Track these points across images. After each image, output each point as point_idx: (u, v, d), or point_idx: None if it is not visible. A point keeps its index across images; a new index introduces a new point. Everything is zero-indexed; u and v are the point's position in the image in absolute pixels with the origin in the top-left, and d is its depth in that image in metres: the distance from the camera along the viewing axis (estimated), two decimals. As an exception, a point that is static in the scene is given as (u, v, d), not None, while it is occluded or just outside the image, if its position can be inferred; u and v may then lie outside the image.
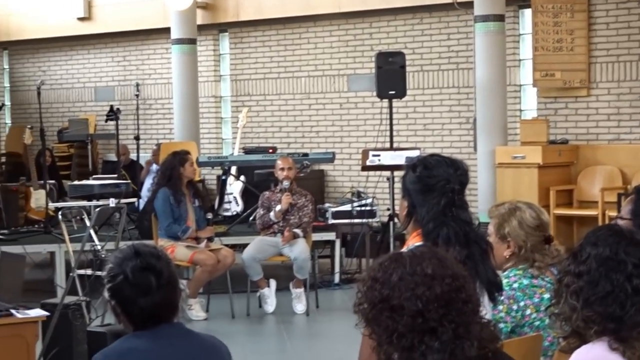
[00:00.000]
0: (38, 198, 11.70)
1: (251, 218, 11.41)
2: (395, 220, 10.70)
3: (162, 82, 16.18)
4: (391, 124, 11.69)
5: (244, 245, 10.12)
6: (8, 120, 18.49)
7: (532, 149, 11.84)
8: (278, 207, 9.95)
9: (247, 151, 13.45)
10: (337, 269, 11.31)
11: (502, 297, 4.05)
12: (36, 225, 11.39)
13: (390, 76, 11.60)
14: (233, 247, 10.49)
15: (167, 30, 15.01)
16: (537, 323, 4.28)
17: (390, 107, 11.69)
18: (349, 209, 11.63)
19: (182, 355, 3.29)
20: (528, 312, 4.30)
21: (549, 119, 12.43)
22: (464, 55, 13.34)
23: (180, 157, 9.90)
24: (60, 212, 9.68)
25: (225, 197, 12.85)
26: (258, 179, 12.39)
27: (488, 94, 12.15)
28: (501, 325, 4.24)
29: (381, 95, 11.68)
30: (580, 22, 12.32)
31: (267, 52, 15.18)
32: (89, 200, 9.93)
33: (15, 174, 13.42)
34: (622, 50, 12.20)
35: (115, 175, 12.45)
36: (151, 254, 3.31)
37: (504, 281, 4.13)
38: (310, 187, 11.49)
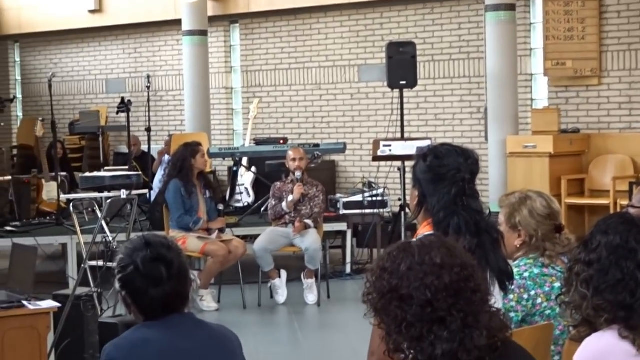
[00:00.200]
0: (50, 190, 11.71)
1: (262, 209, 11.42)
2: (407, 210, 10.69)
3: (173, 73, 16.20)
4: (402, 114, 11.68)
5: (255, 236, 10.12)
6: (20, 113, 18.52)
7: (543, 138, 11.82)
8: (290, 198, 9.95)
9: (258, 142, 13.45)
10: (348, 259, 11.31)
11: (512, 287, 4.04)
12: (48, 217, 11.41)
13: (401, 66, 11.59)
14: (244, 238, 10.49)
15: (178, 22, 15.02)
16: (548, 312, 4.27)
17: (401, 97, 11.68)
18: (360, 199, 11.62)
19: (192, 345, 3.29)
20: (539, 301, 4.29)
21: (560, 108, 12.40)
22: (475, 44, 13.31)
23: (191, 149, 9.91)
24: (71, 204, 9.72)
25: (237, 188, 12.86)
26: (269, 170, 12.39)
27: (499, 84, 12.14)
28: (512, 314, 4.23)
29: (392, 85, 11.67)
30: (591, 10, 12.28)
31: (278, 43, 15.17)
32: (101, 192, 9.92)
33: (27, 166, 13.44)
34: (633, 39, 12.16)
35: (127, 167, 12.46)
36: (162, 245, 3.32)
37: (515, 270, 4.13)
38: (322, 178, 11.49)
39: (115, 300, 6.99)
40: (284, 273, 9.91)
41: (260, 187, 12.36)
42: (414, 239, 2.82)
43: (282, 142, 12.86)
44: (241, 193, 12.80)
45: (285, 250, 10.09)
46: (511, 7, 12.14)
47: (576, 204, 11.82)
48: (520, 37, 12.61)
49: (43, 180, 11.81)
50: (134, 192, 8.99)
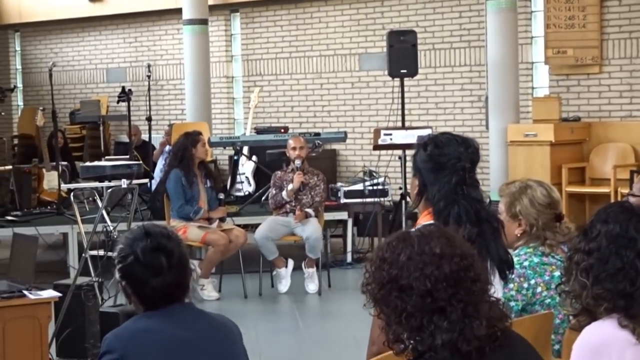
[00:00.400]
0: (50, 179, 11.71)
1: (263, 198, 11.42)
2: (407, 199, 10.69)
3: (174, 62, 16.18)
4: (403, 103, 11.67)
5: (256, 225, 10.12)
6: (20, 102, 18.50)
7: (544, 126, 11.81)
8: (290, 186, 9.95)
9: (259, 131, 13.45)
10: (349, 248, 11.32)
11: (512, 276, 4.04)
12: (49, 207, 11.41)
13: (402, 55, 11.57)
14: (245, 227, 10.50)
15: (178, 10, 14.99)
16: (547, 301, 4.27)
17: (402, 85, 11.66)
18: (361, 188, 11.62)
19: (193, 335, 3.30)
20: (539, 290, 4.29)
21: (561, 96, 12.39)
22: (475, 33, 13.29)
23: (192, 138, 9.90)
24: (72, 194, 9.71)
25: (237, 177, 12.86)
26: (270, 158, 12.38)
27: (500, 72, 12.12)
28: (512, 303, 4.24)
29: (393, 74, 11.65)
30: (592, -2, 12.26)
31: (278, 32, 15.15)
32: (101, 181, 9.91)
33: (27, 155, 13.44)
34: (634, 27, 12.13)
35: (127, 157, 12.46)
36: (161, 234, 3.32)
37: (515, 259, 4.13)
38: (322, 167, 11.48)
39: (116, 289, 6.99)
40: (290, 262, 9.88)
41: (261, 176, 12.36)
42: (414, 229, 2.81)
43: (282, 131, 12.85)
44: (242, 182, 12.80)
45: (286, 239, 10.08)
46: (512, -5, 12.12)
47: (577, 193, 11.81)
48: (521, 25, 12.58)
49: (44, 170, 11.81)
50: (135, 181, 8.98)
